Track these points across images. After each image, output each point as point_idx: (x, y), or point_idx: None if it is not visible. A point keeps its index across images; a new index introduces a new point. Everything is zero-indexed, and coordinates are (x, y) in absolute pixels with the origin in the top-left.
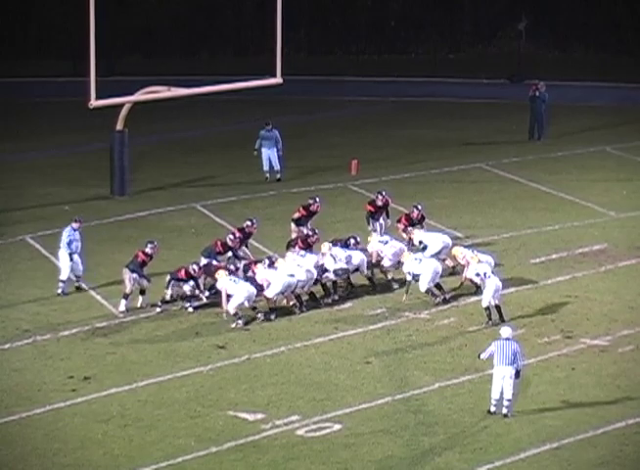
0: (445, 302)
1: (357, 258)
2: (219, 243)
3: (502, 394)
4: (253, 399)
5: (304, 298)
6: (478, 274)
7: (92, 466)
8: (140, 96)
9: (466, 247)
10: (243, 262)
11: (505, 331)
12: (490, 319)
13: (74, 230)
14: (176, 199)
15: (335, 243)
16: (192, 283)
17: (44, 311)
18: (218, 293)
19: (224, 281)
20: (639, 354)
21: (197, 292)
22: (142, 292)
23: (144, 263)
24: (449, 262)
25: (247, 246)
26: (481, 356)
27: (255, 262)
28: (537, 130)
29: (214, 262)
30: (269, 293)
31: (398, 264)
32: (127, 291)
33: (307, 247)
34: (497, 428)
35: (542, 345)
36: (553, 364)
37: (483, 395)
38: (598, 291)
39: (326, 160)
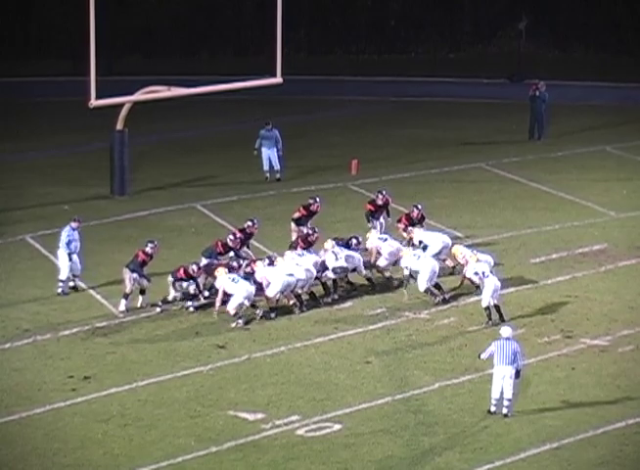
0: (445, 301)
1: (356, 258)
2: (220, 243)
3: (502, 393)
4: (254, 399)
5: (304, 297)
6: (476, 273)
7: (92, 466)
8: (140, 96)
9: (466, 246)
10: (244, 262)
11: (505, 331)
12: (490, 319)
13: (73, 230)
14: (176, 198)
15: (336, 242)
16: (192, 283)
17: (44, 311)
18: (217, 292)
19: (223, 280)
20: (639, 354)
21: (196, 292)
22: (142, 292)
23: (144, 263)
24: (450, 263)
25: (248, 246)
26: (482, 356)
27: (255, 261)
28: (537, 130)
29: (215, 262)
30: (269, 292)
31: (395, 264)
32: (127, 291)
33: (308, 245)
34: (497, 428)
35: (542, 344)
36: (553, 364)
37: (484, 394)
38: (598, 291)
39: (326, 159)
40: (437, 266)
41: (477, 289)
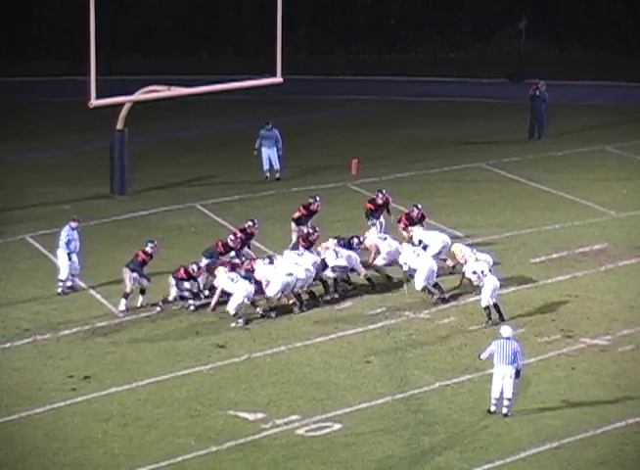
0: (444, 301)
1: (353, 258)
2: (220, 243)
3: (502, 393)
4: (254, 399)
5: (304, 297)
6: (474, 272)
7: (92, 465)
8: (140, 95)
9: (466, 245)
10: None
11: (505, 330)
12: (490, 319)
13: (73, 229)
14: (176, 198)
15: (338, 241)
16: (194, 282)
17: (44, 311)
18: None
19: (222, 279)
20: (639, 354)
21: (197, 291)
22: (142, 291)
23: (144, 263)
24: (450, 262)
25: (249, 247)
26: (482, 356)
27: (255, 259)
28: (537, 129)
29: (218, 261)
30: (269, 292)
31: (392, 264)
32: (127, 290)
33: (309, 245)
34: (497, 427)
35: (542, 344)
36: (553, 364)
37: (484, 394)
38: (598, 290)
39: (326, 159)
40: (436, 266)
41: (476, 288)
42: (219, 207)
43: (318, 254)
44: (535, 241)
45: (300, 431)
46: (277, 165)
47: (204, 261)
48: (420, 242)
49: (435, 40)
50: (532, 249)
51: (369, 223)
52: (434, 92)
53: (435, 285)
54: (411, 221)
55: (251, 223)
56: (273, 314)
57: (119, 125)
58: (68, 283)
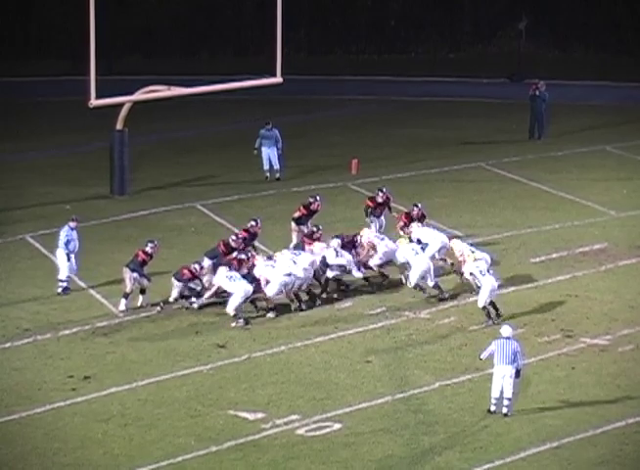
0: (443, 300)
1: (349, 259)
2: (222, 244)
3: (502, 393)
4: (254, 399)
5: (304, 298)
6: (472, 274)
7: (92, 465)
8: (140, 95)
9: (464, 242)
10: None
11: (505, 330)
12: (490, 318)
13: (72, 229)
14: (176, 198)
15: (342, 239)
16: (199, 282)
17: (44, 310)
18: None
19: (221, 277)
20: (639, 354)
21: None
22: (142, 291)
23: (144, 263)
24: (450, 260)
25: (253, 246)
26: (482, 356)
27: (255, 256)
28: (537, 129)
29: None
30: (268, 292)
31: (387, 263)
32: (127, 290)
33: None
34: (497, 427)
35: (542, 344)
36: (553, 363)
37: (484, 394)
38: (598, 290)
39: (326, 159)
40: (432, 266)
41: (476, 288)
42: (219, 207)
43: (312, 252)
44: (535, 241)
45: (300, 431)
46: (277, 165)
47: (206, 262)
48: (419, 241)
49: (435, 40)
50: (532, 249)
51: (367, 220)
52: (434, 92)
53: (436, 285)
54: (411, 220)
55: (253, 223)
56: (273, 314)
57: (119, 125)
58: (64, 284)
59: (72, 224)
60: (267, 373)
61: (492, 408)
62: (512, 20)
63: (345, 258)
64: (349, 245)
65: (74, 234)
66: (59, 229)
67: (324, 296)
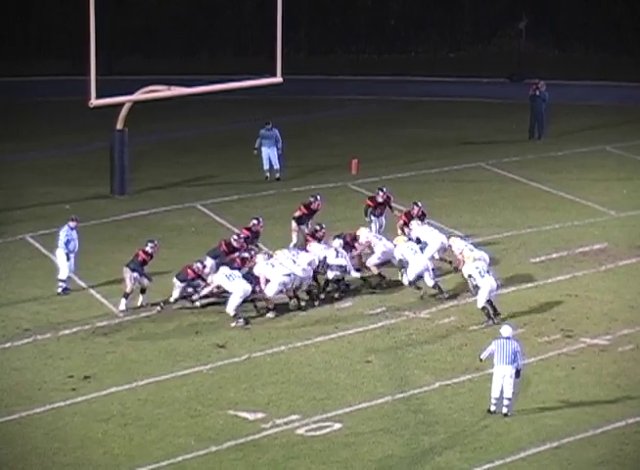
0: (441, 300)
1: (348, 261)
2: (224, 243)
3: (502, 393)
4: (254, 399)
5: (305, 297)
6: (470, 276)
7: (92, 465)
8: (140, 95)
9: (464, 241)
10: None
11: (505, 330)
12: (490, 318)
13: (72, 229)
14: (176, 198)
15: (343, 238)
16: (200, 281)
17: (44, 310)
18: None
19: (220, 275)
20: (639, 354)
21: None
22: (142, 291)
23: (144, 262)
24: (449, 259)
25: (257, 245)
26: (482, 356)
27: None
28: (537, 129)
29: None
30: (268, 292)
31: (384, 264)
32: (128, 290)
33: (317, 242)
34: (497, 427)
35: (542, 344)
36: (553, 363)
37: (484, 394)
38: (598, 290)
39: (326, 159)
40: (430, 266)
41: (475, 288)
42: (219, 207)
43: (306, 250)
44: (535, 241)
45: (300, 431)
46: (277, 165)
47: (209, 261)
48: (418, 239)
49: (435, 40)
50: (532, 249)
51: (367, 220)
52: (434, 92)
53: (436, 285)
54: (411, 219)
55: (255, 222)
56: (272, 314)
57: (119, 125)
58: (64, 284)
59: (72, 224)
60: (267, 373)
61: (492, 408)
62: (512, 19)
63: (346, 258)
64: (352, 243)
65: (74, 234)
66: (59, 229)
67: (322, 296)
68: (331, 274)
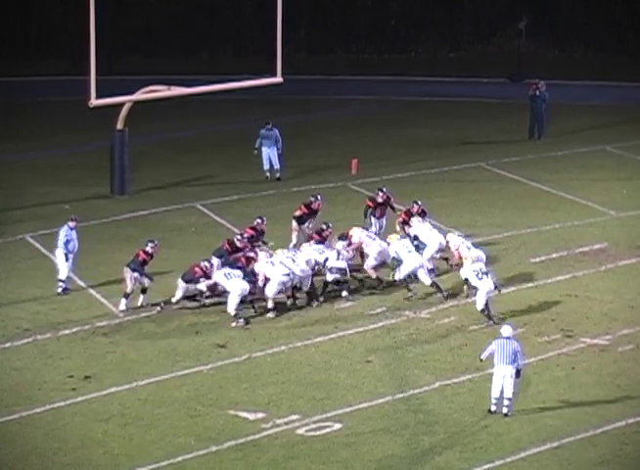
0: (439, 299)
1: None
2: (227, 243)
3: (502, 393)
4: (254, 399)
5: (305, 298)
6: (466, 279)
7: (92, 465)
8: (140, 95)
9: (461, 237)
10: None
11: (505, 330)
12: (490, 319)
13: (71, 229)
14: (176, 198)
15: (345, 238)
16: (208, 280)
17: (44, 310)
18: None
19: (219, 274)
20: (639, 354)
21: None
22: (143, 291)
23: (145, 262)
24: (449, 259)
25: (265, 242)
26: (482, 356)
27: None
28: (537, 129)
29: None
30: (268, 292)
31: (382, 265)
32: (128, 290)
33: (322, 241)
34: (497, 427)
35: (542, 344)
36: (553, 363)
37: (484, 394)
38: (598, 290)
39: (326, 159)
40: (424, 264)
41: (473, 289)
42: (219, 207)
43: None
44: (535, 241)
45: (301, 431)
46: (277, 165)
47: (215, 260)
48: (415, 237)
49: (435, 40)
50: (532, 249)
51: (366, 221)
52: (434, 92)
53: (433, 284)
54: (411, 217)
55: (259, 220)
56: (272, 314)
57: (119, 125)
58: (64, 284)
59: (72, 224)
60: (267, 373)
61: (492, 408)
62: (512, 19)
63: (346, 260)
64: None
65: (74, 234)
66: (59, 229)
67: (322, 298)
68: (330, 277)
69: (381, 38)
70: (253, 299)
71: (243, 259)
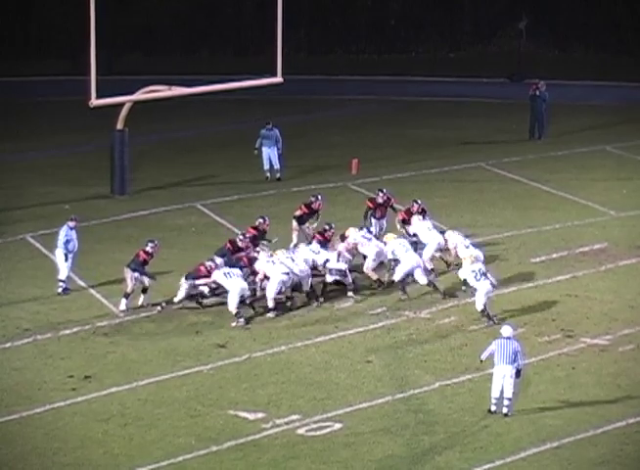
0: (437, 299)
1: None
2: (229, 242)
3: (502, 392)
4: (254, 399)
5: (304, 297)
6: (465, 280)
7: (92, 465)
8: (140, 95)
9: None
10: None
11: (506, 330)
12: (490, 319)
13: (71, 229)
14: (176, 198)
15: (345, 239)
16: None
17: (44, 310)
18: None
19: (219, 273)
20: (639, 354)
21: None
22: (144, 290)
23: (145, 262)
24: (447, 256)
25: (270, 240)
26: (482, 357)
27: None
28: (538, 129)
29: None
30: (268, 292)
31: (380, 266)
32: (129, 290)
33: (325, 241)
34: (497, 427)
35: (542, 344)
36: (553, 363)
37: (484, 394)
38: (598, 290)
39: (326, 159)
40: (421, 263)
41: (471, 288)
42: (219, 207)
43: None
44: (535, 241)
45: (301, 431)
46: (277, 165)
47: (218, 260)
48: (414, 235)
49: (435, 40)
50: (533, 248)
51: (366, 222)
52: (434, 92)
53: (430, 283)
54: (411, 215)
55: (261, 220)
56: (273, 314)
57: (119, 125)
58: (64, 284)
59: (71, 224)
60: (267, 373)
61: (492, 408)
62: (512, 19)
63: (347, 262)
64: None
65: (73, 234)
66: (59, 229)
67: (322, 299)
68: (330, 278)
69: (381, 38)
70: (253, 300)
71: (245, 259)
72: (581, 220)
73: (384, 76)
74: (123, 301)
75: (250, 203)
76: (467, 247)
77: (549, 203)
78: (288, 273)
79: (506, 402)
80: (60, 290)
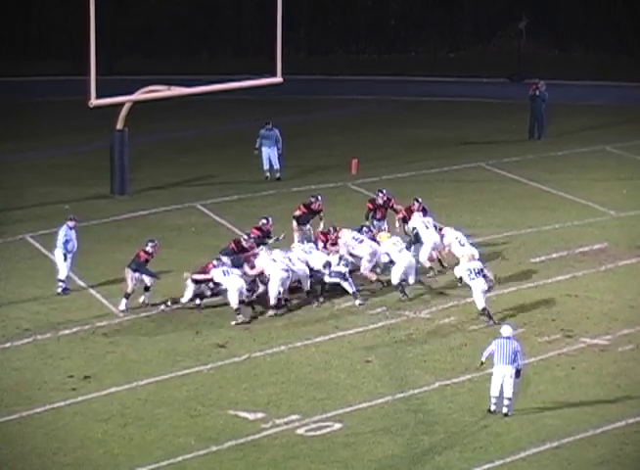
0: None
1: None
2: (233, 243)
3: (502, 392)
4: (254, 399)
5: (304, 296)
6: (460, 278)
7: (92, 465)
8: (140, 95)
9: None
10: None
11: (505, 330)
12: (491, 318)
13: (70, 229)
14: (176, 198)
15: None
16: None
17: (44, 310)
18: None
19: (217, 272)
20: (639, 354)
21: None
22: (146, 289)
23: (146, 262)
24: (445, 255)
25: (277, 239)
26: (482, 358)
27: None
28: (537, 129)
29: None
30: (271, 291)
31: (375, 266)
32: (129, 290)
33: (327, 243)
34: (497, 427)
35: (542, 344)
36: (553, 363)
37: (484, 394)
38: (598, 290)
39: (326, 159)
40: (415, 263)
41: (469, 288)
42: (219, 207)
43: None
44: (535, 241)
45: (300, 430)
46: (277, 165)
47: (225, 259)
48: (413, 229)
49: (435, 40)
50: (532, 248)
51: (367, 223)
52: (434, 92)
53: (419, 281)
54: (411, 214)
55: (265, 221)
56: (272, 312)
57: (119, 125)
58: (64, 284)
59: (71, 224)
60: (267, 373)
61: (492, 408)
62: (512, 19)
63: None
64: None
65: (73, 234)
66: (59, 229)
67: (322, 299)
68: (328, 279)
69: (381, 38)
70: (252, 300)
71: (251, 259)
72: (581, 220)
73: (384, 76)
74: (123, 301)
75: (249, 203)
76: (462, 245)
77: (549, 203)
78: (287, 270)
79: (506, 402)
80: (59, 290)
